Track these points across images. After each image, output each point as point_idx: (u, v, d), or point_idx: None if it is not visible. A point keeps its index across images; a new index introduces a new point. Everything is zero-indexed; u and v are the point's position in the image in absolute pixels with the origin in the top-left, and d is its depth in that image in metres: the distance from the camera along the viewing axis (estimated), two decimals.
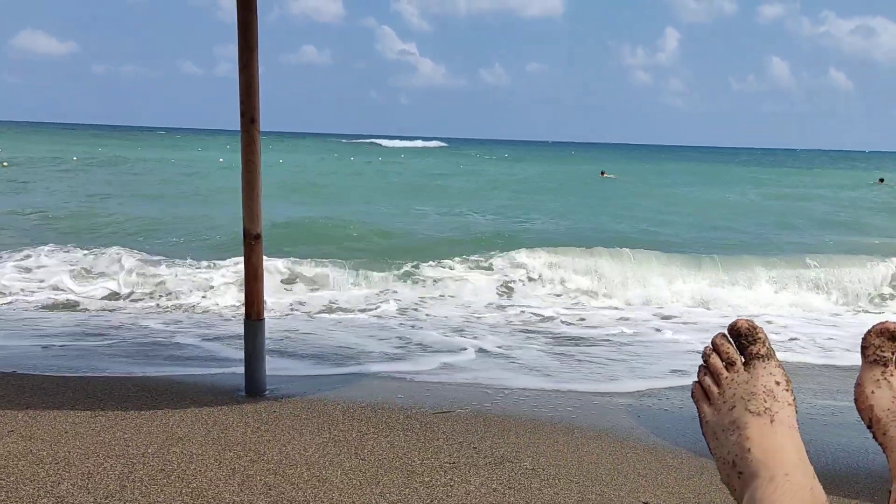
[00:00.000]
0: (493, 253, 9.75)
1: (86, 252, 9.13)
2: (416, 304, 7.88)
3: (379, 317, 7.30)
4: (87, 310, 7.37)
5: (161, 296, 7.88)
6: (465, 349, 5.97)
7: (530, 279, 8.84)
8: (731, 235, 14.72)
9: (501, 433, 4.03)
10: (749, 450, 0.90)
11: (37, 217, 13.63)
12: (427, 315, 7.40)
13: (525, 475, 3.42)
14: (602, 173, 32.30)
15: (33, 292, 7.85)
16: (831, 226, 16.99)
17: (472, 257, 9.56)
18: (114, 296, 7.89)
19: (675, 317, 7.68)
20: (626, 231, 14.39)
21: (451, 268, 9.00)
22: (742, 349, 0.93)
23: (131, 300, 7.79)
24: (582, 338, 6.61)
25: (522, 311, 7.66)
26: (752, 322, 0.93)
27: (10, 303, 7.50)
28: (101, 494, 3.02)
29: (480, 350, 5.97)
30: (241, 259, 4.94)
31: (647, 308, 8.10)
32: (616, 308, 8.04)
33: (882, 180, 33.20)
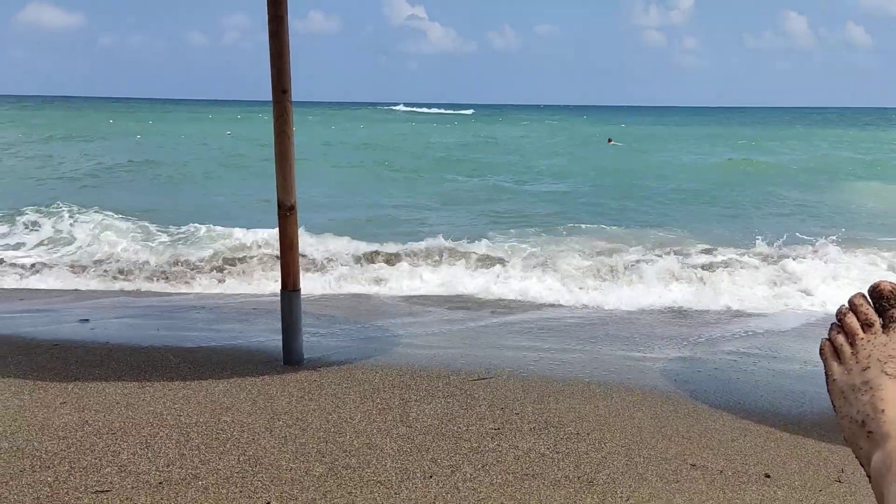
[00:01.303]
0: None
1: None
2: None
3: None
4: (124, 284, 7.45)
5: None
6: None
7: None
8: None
9: (541, 399, 4.07)
10: (883, 411, 0.91)
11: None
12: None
13: (571, 440, 3.47)
14: (609, 140, 32.00)
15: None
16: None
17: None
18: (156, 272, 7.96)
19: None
20: None
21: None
22: (882, 312, 0.94)
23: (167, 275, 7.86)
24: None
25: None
26: None
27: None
28: (162, 462, 3.10)
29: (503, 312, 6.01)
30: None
31: None
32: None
33: None
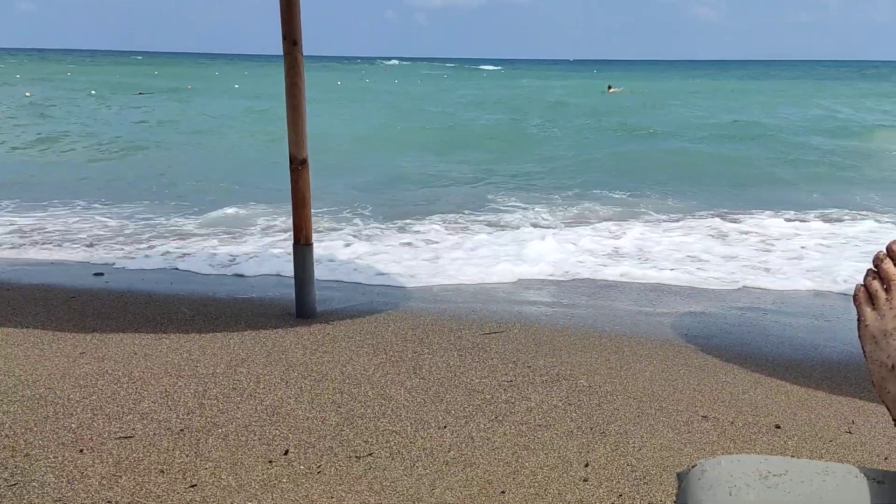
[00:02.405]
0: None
1: None
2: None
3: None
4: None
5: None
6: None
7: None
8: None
9: (553, 352, 4.11)
10: None
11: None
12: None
13: (583, 392, 3.52)
14: (609, 88, 31.98)
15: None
16: None
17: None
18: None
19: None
20: None
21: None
22: None
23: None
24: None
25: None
26: None
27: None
28: (182, 411, 3.16)
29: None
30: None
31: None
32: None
33: None
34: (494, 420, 3.18)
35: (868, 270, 0.99)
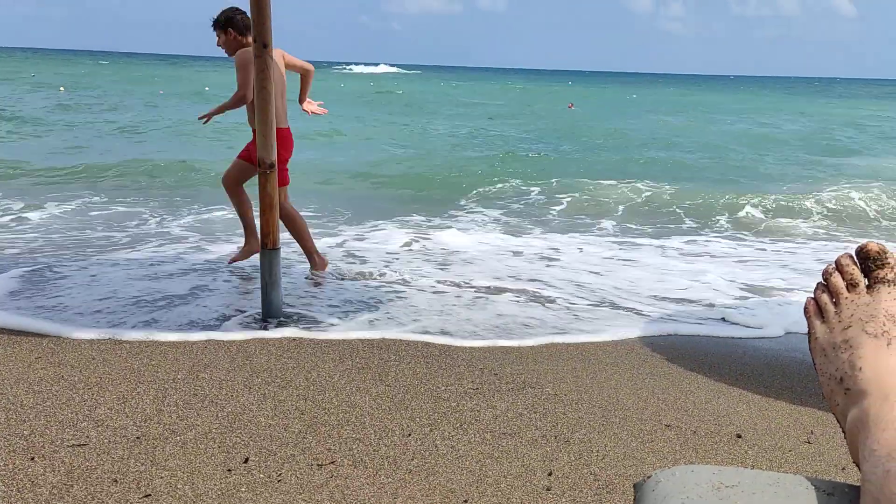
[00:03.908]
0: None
1: None
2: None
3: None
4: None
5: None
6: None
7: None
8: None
9: (519, 360, 4.11)
10: (860, 368, 0.92)
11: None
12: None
13: (548, 400, 3.51)
14: (570, 105, 33.21)
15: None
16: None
17: None
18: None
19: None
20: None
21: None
22: (867, 272, 0.95)
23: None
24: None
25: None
26: (883, 246, 0.94)
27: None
28: (139, 418, 3.09)
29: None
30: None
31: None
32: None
33: None
34: (459, 428, 3.16)
35: (818, 284, 0.99)
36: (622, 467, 2.86)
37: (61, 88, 28.52)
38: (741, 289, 6.04)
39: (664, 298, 5.63)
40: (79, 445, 2.82)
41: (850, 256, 0.96)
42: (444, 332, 4.56)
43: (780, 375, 4.06)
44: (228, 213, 8.21)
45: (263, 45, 4.59)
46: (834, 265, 0.97)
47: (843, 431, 0.92)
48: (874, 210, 10.51)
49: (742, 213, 9.95)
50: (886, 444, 0.82)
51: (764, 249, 7.83)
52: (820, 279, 0.99)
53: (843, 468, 2.96)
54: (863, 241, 1.01)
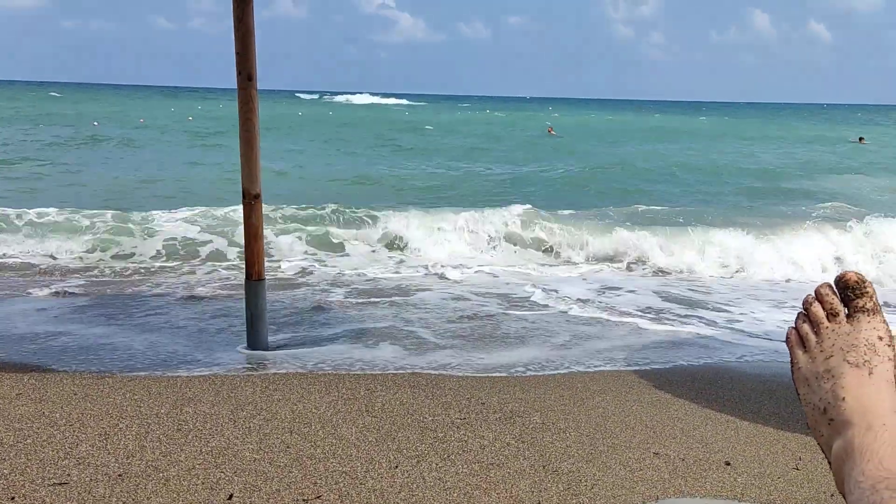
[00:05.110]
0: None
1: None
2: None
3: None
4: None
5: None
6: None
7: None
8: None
9: (507, 388, 4.09)
10: (843, 398, 0.92)
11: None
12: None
13: (536, 429, 3.49)
14: (549, 130, 33.22)
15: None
16: None
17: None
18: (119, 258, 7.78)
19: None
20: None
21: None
22: (847, 302, 0.95)
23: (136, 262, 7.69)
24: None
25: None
26: (862, 275, 0.94)
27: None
28: (122, 454, 3.04)
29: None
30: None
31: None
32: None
33: (862, 139, 33.18)
34: (447, 459, 3.13)
35: (798, 313, 0.99)
36: (612, 497, 2.84)
37: None
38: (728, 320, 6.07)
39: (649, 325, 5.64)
40: (59, 484, 2.76)
41: (830, 286, 0.97)
42: (432, 362, 4.54)
43: (767, 400, 4.07)
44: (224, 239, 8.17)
45: (248, 78, 4.61)
46: (814, 295, 0.98)
47: (829, 461, 0.92)
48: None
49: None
50: (871, 476, 0.82)
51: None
52: (800, 309, 1.00)
53: (832, 494, 2.96)
54: (841, 271, 1.02)
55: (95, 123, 27.59)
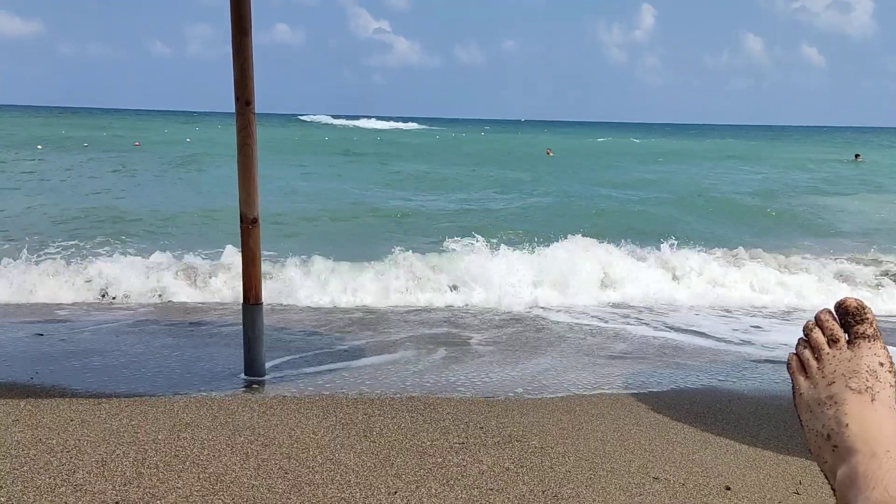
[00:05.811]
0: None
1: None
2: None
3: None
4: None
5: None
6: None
7: None
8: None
9: (505, 412, 4.08)
10: (847, 425, 0.92)
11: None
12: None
13: (535, 454, 3.48)
14: (548, 152, 33.72)
15: None
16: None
17: None
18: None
19: None
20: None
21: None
22: (847, 328, 0.96)
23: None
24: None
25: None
26: (861, 302, 0.95)
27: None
28: (119, 482, 3.01)
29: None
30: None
31: None
32: None
33: (858, 156, 34.03)
34: (446, 484, 3.11)
35: (799, 339, 1.00)
36: None
37: None
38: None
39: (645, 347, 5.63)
40: None
41: (830, 312, 0.97)
42: (430, 385, 4.53)
43: (766, 424, 4.06)
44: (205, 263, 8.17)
45: (246, 103, 4.64)
46: (814, 321, 0.99)
47: (833, 489, 0.92)
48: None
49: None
50: (876, 503, 0.82)
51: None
52: (801, 335, 1.00)
53: None
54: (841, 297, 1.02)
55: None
